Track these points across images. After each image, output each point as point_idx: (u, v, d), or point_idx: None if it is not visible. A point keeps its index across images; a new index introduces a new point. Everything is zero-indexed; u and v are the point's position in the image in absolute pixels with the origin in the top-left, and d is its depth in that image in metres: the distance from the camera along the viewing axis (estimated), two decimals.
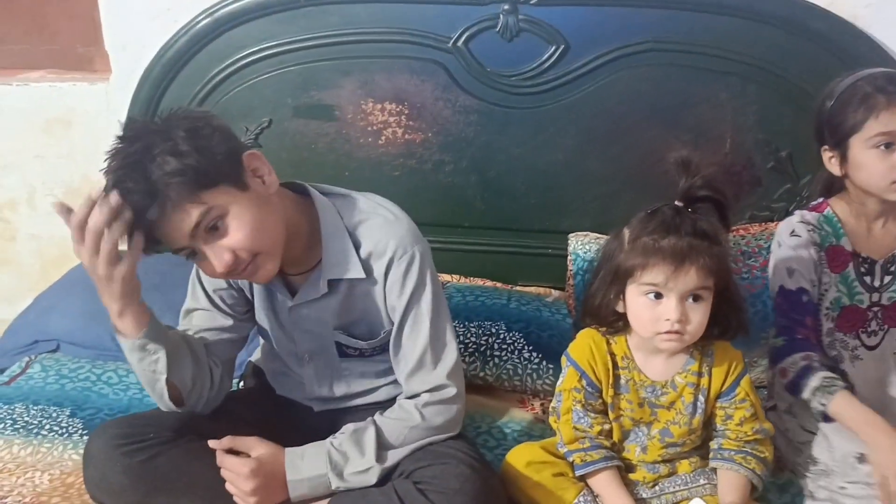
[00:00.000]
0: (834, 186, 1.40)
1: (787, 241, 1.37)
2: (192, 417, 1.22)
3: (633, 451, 1.24)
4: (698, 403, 1.20)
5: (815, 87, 1.69)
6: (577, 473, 1.20)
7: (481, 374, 1.59)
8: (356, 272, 1.18)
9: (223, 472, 1.12)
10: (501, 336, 1.62)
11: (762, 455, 1.19)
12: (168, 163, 1.01)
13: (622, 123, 1.82)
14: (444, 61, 1.83)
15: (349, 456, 1.15)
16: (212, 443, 1.13)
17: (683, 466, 1.23)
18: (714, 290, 1.14)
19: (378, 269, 1.18)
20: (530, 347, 1.60)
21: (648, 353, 1.22)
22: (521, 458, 1.22)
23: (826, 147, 1.35)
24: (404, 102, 1.87)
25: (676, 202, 1.16)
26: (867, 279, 1.37)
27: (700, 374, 1.20)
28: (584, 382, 1.22)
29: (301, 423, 1.28)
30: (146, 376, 1.16)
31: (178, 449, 1.15)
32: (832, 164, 1.35)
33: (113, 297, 1.08)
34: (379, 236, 1.18)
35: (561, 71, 1.80)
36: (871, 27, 1.71)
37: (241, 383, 1.45)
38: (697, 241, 1.11)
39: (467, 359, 1.58)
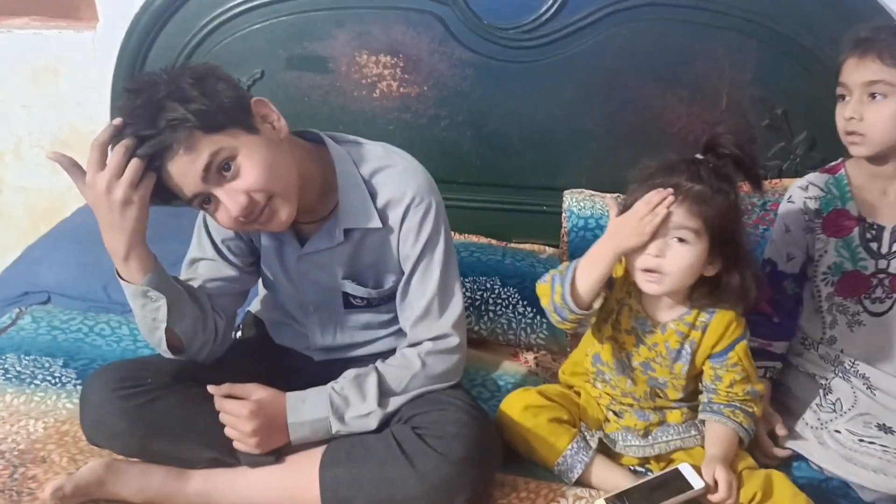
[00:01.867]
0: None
1: (783, 206, 1.38)
2: (191, 365, 1.22)
3: (623, 383, 1.25)
4: (683, 352, 1.21)
5: (813, 43, 1.70)
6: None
7: (476, 328, 1.59)
8: (373, 221, 1.18)
9: (222, 417, 1.13)
10: (496, 291, 1.62)
11: (750, 409, 1.21)
12: (176, 108, 1.01)
13: (619, 79, 1.80)
14: (441, 13, 1.80)
15: (350, 400, 1.15)
16: (210, 388, 1.13)
17: (674, 416, 1.25)
18: (714, 246, 1.13)
19: (394, 217, 1.18)
20: (524, 303, 1.60)
21: (652, 298, 1.21)
22: (518, 402, 1.23)
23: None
24: (399, 55, 1.84)
25: (697, 155, 1.16)
26: (873, 245, 1.33)
27: (693, 326, 1.20)
28: None
29: (300, 373, 1.28)
30: (146, 323, 1.15)
31: (176, 394, 1.15)
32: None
33: (123, 233, 1.07)
34: (396, 184, 1.18)
35: (559, 24, 1.77)
36: None
37: (240, 332, 1.44)
38: (691, 183, 1.10)
39: None
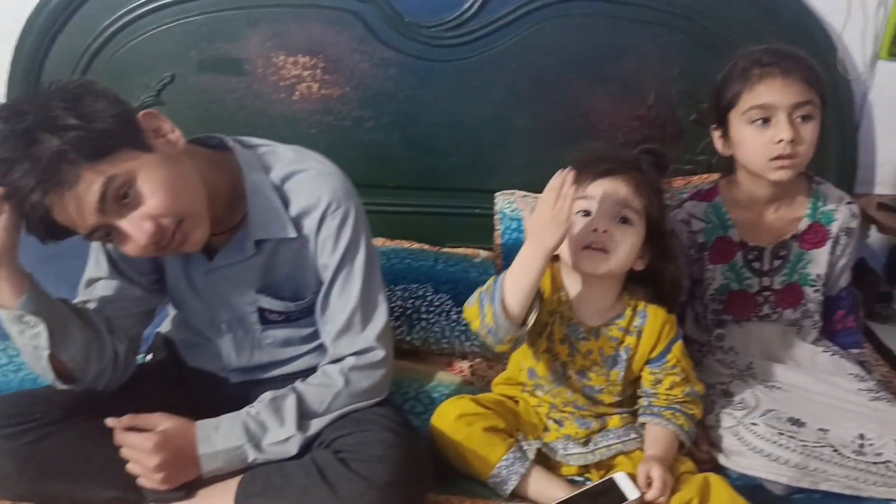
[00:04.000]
0: (729, 167, 1.36)
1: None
2: (90, 395, 1.12)
3: (563, 394, 1.22)
4: (619, 358, 1.20)
5: (736, 37, 1.70)
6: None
7: (408, 338, 1.54)
8: (286, 231, 1.10)
9: (124, 451, 1.04)
10: (429, 298, 1.58)
11: (691, 412, 1.20)
12: (50, 140, 0.90)
13: (546, 76, 1.77)
14: (360, 11, 1.74)
15: (267, 425, 1.08)
16: (109, 421, 1.04)
17: (614, 421, 1.23)
18: (648, 237, 1.14)
19: (309, 225, 1.11)
20: (458, 309, 1.55)
21: (584, 300, 1.20)
22: (451, 412, 1.18)
23: (714, 125, 1.33)
24: (319, 55, 1.77)
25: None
26: (755, 265, 1.35)
27: (627, 332, 1.19)
28: None
29: (216, 397, 1.19)
30: (27, 351, 1.05)
31: (70, 429, 1.05)
32: (719, 143, 1.33)
33: None
34: (310, 190, 1.11)
35: (483, 21, 1.74)
36: None
37: (150, 356, 1.34)
38: (628, 164, 1.14)
39: (394, 323, 1.53)
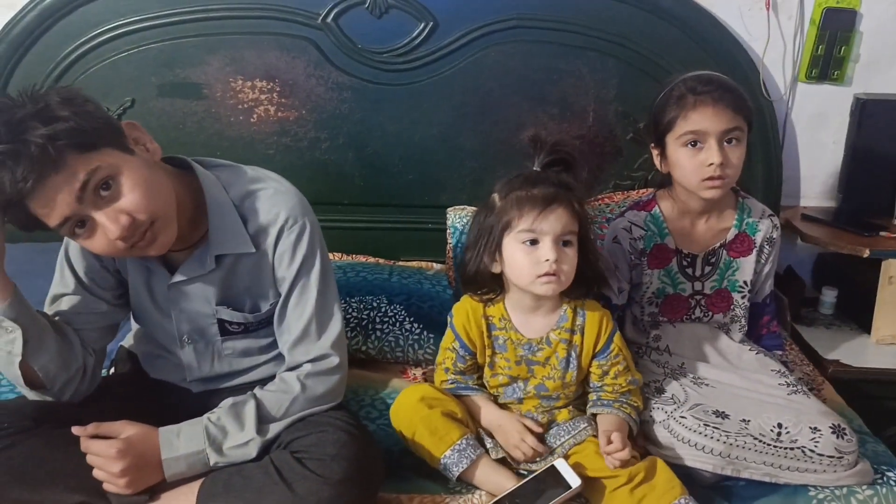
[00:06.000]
0: (665, 181, 1.48)
1: (610, 245, 1.48)
2: (57, 406, 1.16)
3: (512, 400, 1.31)
4: (571, 359, 1.28)
5: (666, 62, 1.83)
6: (460, 391, 1.30)
7: (363, 348, 1.59)
8: (245, 246, 1.16)
9: (89, 458, 1.08)
10: (383, 309, 1.63)
11: (635, 404, 1.29)
12: (48, 126, 0.96)
13: (492, 99, 1.87)
14: (315, 38, 1.82)
15: (228, 430, 1.13)
16: (75, 429, 1.08)
17: (562, 415, 1.31)
18: (578, 244, 1.22)
19: (267, 240, 1.17)
20: (411, 319, 1.62)
21: (525, 311, 1.29)
22: (415, 393, 1.26)
23: (652, 144, 1.44)
24: (275, 80, 1.84)
25: (535, 168, 1.25)
26: (689, 270, 1.47)
27: (573, 332, 1.27)
28: (457, 344, 1.31)
29: (179, 407, 1.24)
30: (1, 357, 1.09)
31: (36, 438, 1.09)
32: (657, 161, 1.44)
33: None
34: (268, 207, 1.17)
35: (431, 47, 1.83)
36: (713, 6, 1.84)
37: (112, 369, 1.38)
38: (562, 189, 1.20)
39: (349, 334, 1.58)
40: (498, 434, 1.26)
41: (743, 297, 1.48)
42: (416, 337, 1.60)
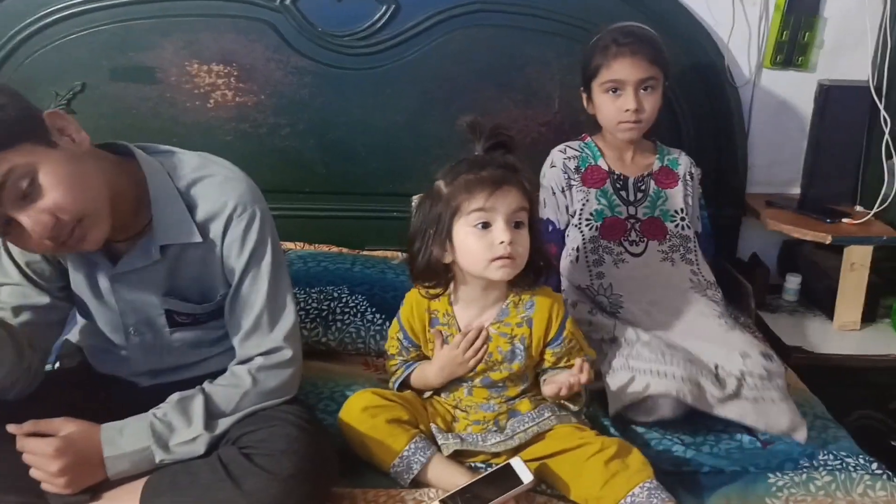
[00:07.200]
0: (595, 125, 1.63)
1: (546, 171, 1.61)
2: None
3: (460, 393, 1.29)
4: (516, 351, 1.25)
5: None
6: (405, 373, 1.30)
7: (324, 339, 1.56)
8: (191, 236, 1.12)
9: (25, 457, 1.04)
10: (344, 300, 1.60)
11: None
12: None
13: (457, 84, 1.84)
14: (273, 20, 1.77)
15: (175, 426, 1.10)
16: (10, 427, 1.04)
17: (524, 405, 1.28)
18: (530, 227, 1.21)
19: (215, 229, 1.13)
20: (373, 309, 1.59)
21: (471, 304, 1.26)
22: (356, 405, 1.23)
23: (582, 88, 1.61)
24: (233, 63, 1.79)
25: (477, 153, 1.22)
26: (623, 194, 1.60)
27: (519, 325, 1.25)
28: (401, 336, 1.30)
29: (127, 402, 1.19)
30: None
31: None
32: (586, 103, 1.61)
33: None
34: (216, 195, 1.13)
35: (394, 31, 1.79)
36: None
37: (58, 364, 1.33)
38: (510, 170, 1.19)
39: (308, 325, 1.56)
40: (447, 371, 1.26)
41: (677, 226, 1.60)
42: (377, 328, 1.57)
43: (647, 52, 1.50)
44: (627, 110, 1.51)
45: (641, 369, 1.31)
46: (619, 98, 1.52)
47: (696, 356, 1.35)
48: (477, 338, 1.24)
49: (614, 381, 1.33)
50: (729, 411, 1.30)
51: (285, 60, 1.80)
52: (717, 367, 1.33)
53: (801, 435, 1.29)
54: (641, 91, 1.51)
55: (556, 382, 1.20)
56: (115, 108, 1.79)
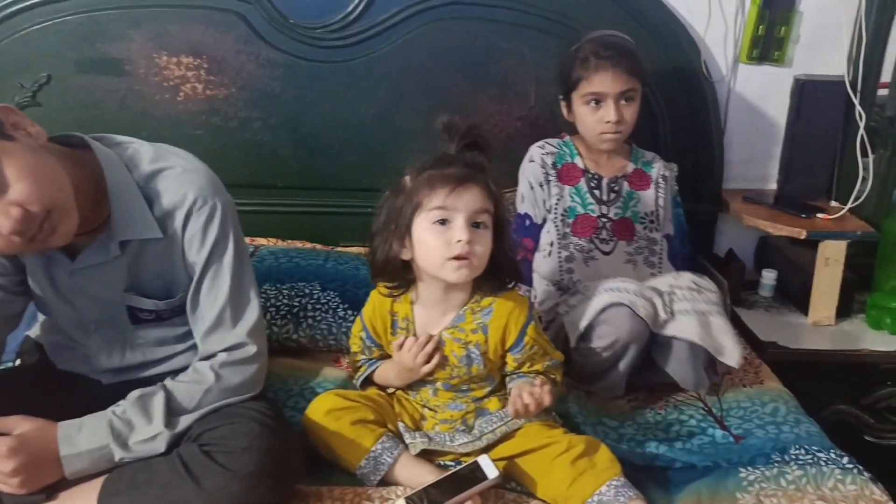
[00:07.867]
0: (573, 129, 1.66)
1: (525, 167, 1.64)
2: None
3: (426, 393, 1.27)
4: (472, 356, 1.23)
5: None
6: (368, 371, 1.30)
7: (294, 336, 1.54)
8: (151, 231, 1.10)
9: None
10: (315, 296, 1.58)
11: (553, 377, 1.26)
12: None
13: (431, 77, 1.82)
14: (244, 11, 1.74)
15: (134, 423, 1.07)
16: None
17: (493, 404, 1.27)
18: (492, 230, 1.18)
19: (175, 223, 1.11)
20: (345, 306, 1.57)
21: (431, 307, 1.24)
22: (320, 407, 1.20)
23: (560, 96, 1.63)
24: (202, 56, 1.76)
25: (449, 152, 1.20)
26: (597, 192, 1.63)
27: (473, 332, 1.22)
28: (364, 335, 1.28)
29: (89, 400, 1.16)
30: None
31: None
32: (565, 111, 1.63)
33: None
34: (175, 188, 1.10)
35: (367, 23, 1.77)
36: None
37: (18, 361, 1.30)
38: (476, 169, 1.17)
39: (279, 321, 1.53)
40: (403, 375, 1.25)
41: (645, 229, 1.63)
42: (349, 324, 1.54)
43: (627, 64, 1.53)
44: (608, 122, 1.54)
45: (596, 294, 1.38)
46: (600, 110, 1.55)
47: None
48: (427, 343, 1.21)
49: (573, 315, 1.39)
50: (674, 329, 1.36)
51: (256, 53, 1.77)
52: (655, 290, 1.41)
53: (733, 358, 1.36)
54: (622, 102, 1.54)
55: (513, 405, 1.16)
56: (82, 100, 1.75)
